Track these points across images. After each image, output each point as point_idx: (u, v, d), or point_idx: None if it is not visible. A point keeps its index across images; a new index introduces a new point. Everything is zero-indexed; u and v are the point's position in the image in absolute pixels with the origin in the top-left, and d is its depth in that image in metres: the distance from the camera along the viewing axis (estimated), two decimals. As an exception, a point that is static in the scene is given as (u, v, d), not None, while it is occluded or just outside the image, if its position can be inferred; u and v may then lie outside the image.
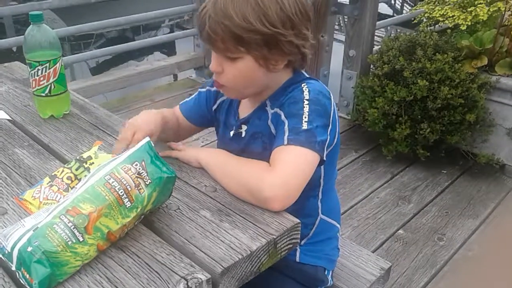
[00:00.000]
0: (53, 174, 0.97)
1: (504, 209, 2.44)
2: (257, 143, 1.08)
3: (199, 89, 1.23)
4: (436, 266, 2.04)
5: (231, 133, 1.13)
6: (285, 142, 0.94)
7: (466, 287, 1.94)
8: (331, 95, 1.03)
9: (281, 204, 0.90)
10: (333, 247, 1.23)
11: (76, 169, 0.96)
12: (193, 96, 1.24)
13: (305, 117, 0.96)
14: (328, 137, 0.98)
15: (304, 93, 0.99)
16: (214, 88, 1.18)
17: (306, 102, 0.97)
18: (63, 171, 0.96)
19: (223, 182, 1.00)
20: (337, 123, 1.05)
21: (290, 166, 0.92)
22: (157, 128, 1.09)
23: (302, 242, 1.16)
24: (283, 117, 0.99)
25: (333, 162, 1.14)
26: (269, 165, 0.94)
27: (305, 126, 0.95)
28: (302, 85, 1.01)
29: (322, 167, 1.08)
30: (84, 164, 0.97)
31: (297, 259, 1.16)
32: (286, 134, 0.95)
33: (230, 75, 1.00)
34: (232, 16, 0.92)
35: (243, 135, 1.11)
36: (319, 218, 1.16)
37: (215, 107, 1.20)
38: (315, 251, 1.18)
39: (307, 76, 1.08)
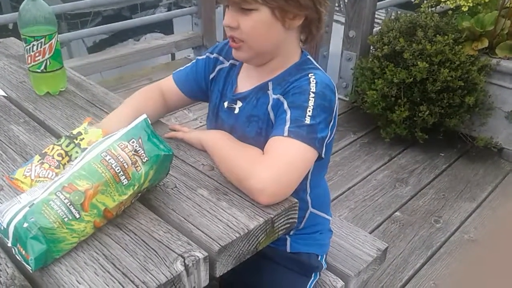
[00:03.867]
0: (43, 152, 0.96)
1: (501, 192, 2.45)
2: (251, 127, 1.04)
3: (197, 58, 1.19)
4: (432, 248, 2.05)
5: (225, 104, 1.10)
6: (285, 133, 0.91)
7: (462, 269, 1.96)
8: (336, 88, 1.01)
9: (269, 198, 0.87)
10: (323, 232, 1.21)
11: (67, 146, 0.95)
12: (188, 64, 1.19)
13: (309, 111, 0.93)
14: (329, 133, 0.96)
15: (311, 85, 0.96)
16: (213, 55, 1.15)
17: (312, 94, 0.94)
18: (53, 148, 0.95)
19: (218, 167, 0.99)
20: (337, 117, 1.02)
21: (286, 161, 0.89)
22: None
23: (292, 232, 1.14)
24: (285, 106, 0.96)
25: (327, 153, 1.11)
26: (262, 154, 0.91)
27: (308, 120, 0.92)
28: (310, 75, 0.97)
29: None
30: (74, 140, 0.96)
31: (288, 249, 1.15)
32: (287, 124, 0.92)
33: (246, 29, 0.96)
34: None
35: (236, 111, 1.07)
36: (309, 211, 1.14)
37: (213, 75, 1.15)
38: (305, 239, 1.16)
39: (314, 64, 1.04)
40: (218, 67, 1.14)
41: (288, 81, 1.00)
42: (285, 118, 0.93)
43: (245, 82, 1.08)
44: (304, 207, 1.13)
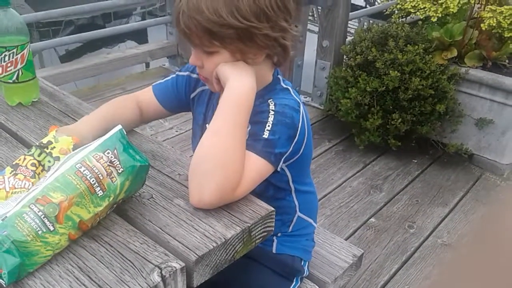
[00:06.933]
0: (14, 163, 0.94)
1: (472, 197, 2.51)
2: None
3: (177, 73, 1.20)
4: (406, 253, 2.09)
5: (207, 126, 1.12)
6: None
7: (436, 273, 1.99)
8: (301, 106, 1.02)
9: (205, 206, 0.88)
10: (308, 239, 1.24)
11: (39, 155, 0.93)
12: (168, 78, 1.20)
13: (268, 126, 0.95)
14: (291, 149, 0.98)
15: (270, 106, 0.98)
16: (195, 75, 1.16)
17: (272, 112, 0.97)
18: (25, 159, 0.93)
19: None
20: (306, 134, 1.02)
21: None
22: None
23: (279, 234, 1.17)
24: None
25: (303, 169, 1.14)
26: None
27: (266, 134, 0.94)
28: (269, 101, 0.99)
29: (288, 172, 1.08)
30: (45, 149, 0.94)
31: (274, 250, 1.17)
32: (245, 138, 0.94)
33: (209, 69, 0.99)
34: (204, 11, 0.90)
35: None
36: (296, 216, 1.17)
37: (194, 94, 1.18)
38: (291, 242, 1.19)
39: (281, 85, 1.06)
40: (200, 89, 1.16)
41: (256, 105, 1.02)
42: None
43: None
44: (292, 211, 1.16)
